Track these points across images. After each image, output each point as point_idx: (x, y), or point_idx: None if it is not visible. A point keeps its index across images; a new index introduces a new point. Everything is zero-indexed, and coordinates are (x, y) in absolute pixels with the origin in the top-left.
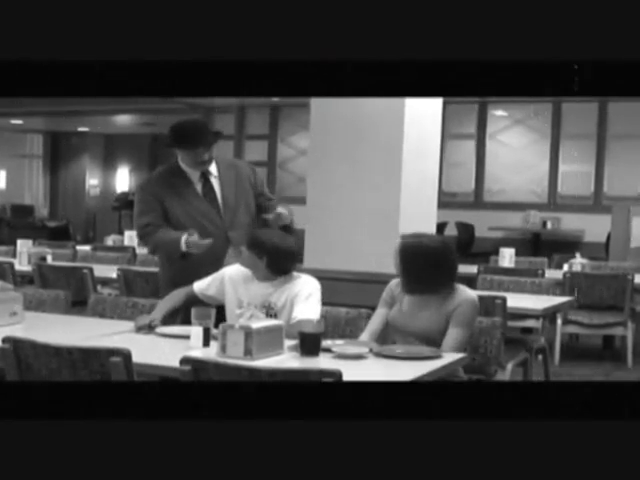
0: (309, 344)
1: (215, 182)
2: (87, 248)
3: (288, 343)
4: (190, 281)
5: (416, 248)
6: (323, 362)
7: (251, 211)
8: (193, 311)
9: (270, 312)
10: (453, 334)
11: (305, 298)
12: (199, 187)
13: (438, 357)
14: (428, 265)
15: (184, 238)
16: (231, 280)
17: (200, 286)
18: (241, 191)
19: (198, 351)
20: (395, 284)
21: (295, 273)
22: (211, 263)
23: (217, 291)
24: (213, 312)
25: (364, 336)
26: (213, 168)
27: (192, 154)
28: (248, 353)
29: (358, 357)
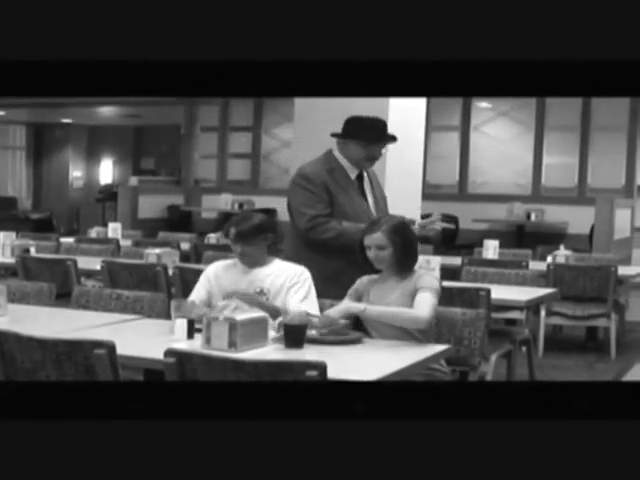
0: (293, 336)
1: (366, 183)
2: (71, 240)
3: (272, 335)
4: (352, 274)
5: (403, 225)
6: (307, 354)
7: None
8: (172, 304)
9: (262, 297)
10: (421, 297)
11: (307, 290)
12: (356, 185)
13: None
14: (414, 240)
15: None
16: (215, 274)
17: (195, 296)
18: (382, 194)
19: (182, 343)
20: (365, 280)
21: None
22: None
23: (207, 290)
24: (194, 305)
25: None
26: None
27: (369, 149)
28: (232, 345)
29: (342, 342)
